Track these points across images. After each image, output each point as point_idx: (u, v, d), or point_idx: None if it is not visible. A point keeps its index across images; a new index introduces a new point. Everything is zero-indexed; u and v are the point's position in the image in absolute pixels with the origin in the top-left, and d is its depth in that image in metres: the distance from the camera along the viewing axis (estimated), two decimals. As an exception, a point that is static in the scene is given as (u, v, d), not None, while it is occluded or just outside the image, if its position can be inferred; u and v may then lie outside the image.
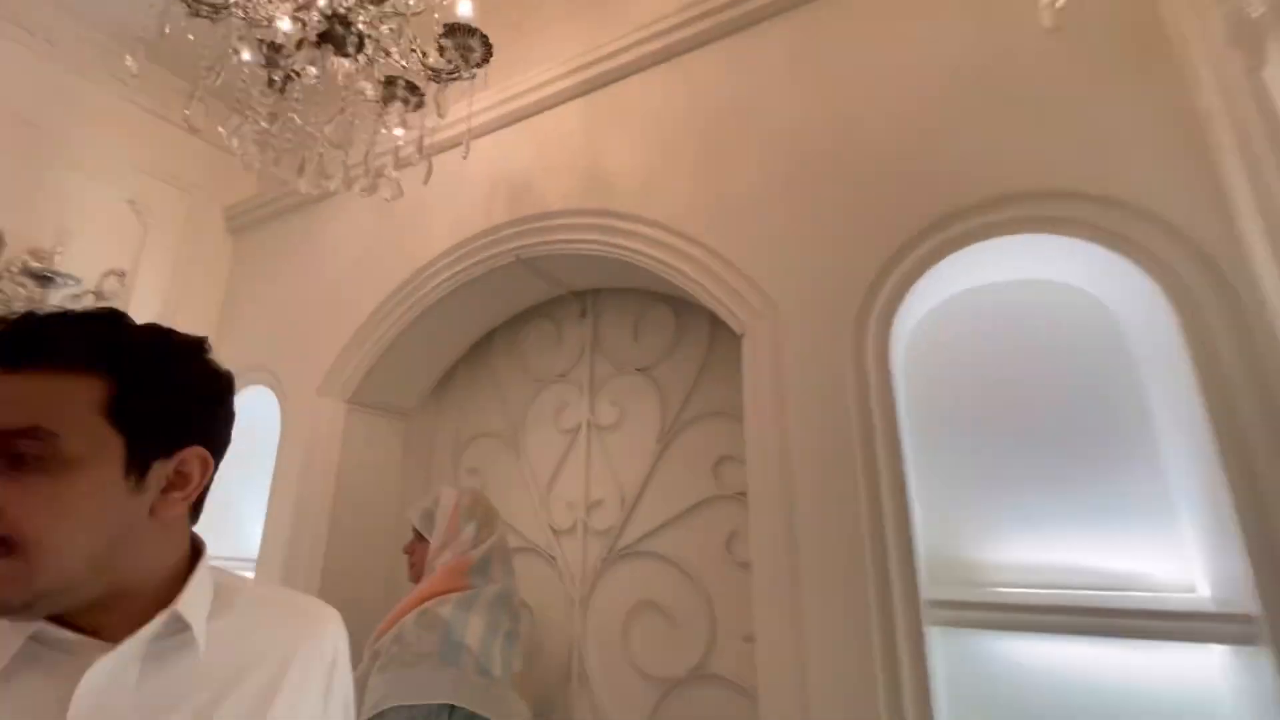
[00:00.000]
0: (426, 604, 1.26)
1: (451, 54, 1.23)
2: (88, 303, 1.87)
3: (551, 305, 2.20)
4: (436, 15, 1.22)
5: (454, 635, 1.19)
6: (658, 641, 1.71)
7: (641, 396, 1.97)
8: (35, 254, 1.76)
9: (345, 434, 1.97)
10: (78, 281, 1.84)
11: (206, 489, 0.61)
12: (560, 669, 1.85)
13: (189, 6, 1.10)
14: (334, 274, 2.18)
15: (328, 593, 1.81)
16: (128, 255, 2.06)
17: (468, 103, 1.43)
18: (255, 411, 2.13)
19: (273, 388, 2.08)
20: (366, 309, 1.98)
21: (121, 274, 1.96)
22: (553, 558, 1.97)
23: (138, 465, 0.55)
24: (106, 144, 2.05)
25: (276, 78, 1.22)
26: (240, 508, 2.09)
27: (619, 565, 1.87)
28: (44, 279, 1.75)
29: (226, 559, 2.01)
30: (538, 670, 1.79)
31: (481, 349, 2.31)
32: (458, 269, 1.89)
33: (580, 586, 1.89)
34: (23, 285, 1.71)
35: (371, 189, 1.34)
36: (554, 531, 2.00)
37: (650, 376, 1.97)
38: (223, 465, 0.62)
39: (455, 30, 1.23)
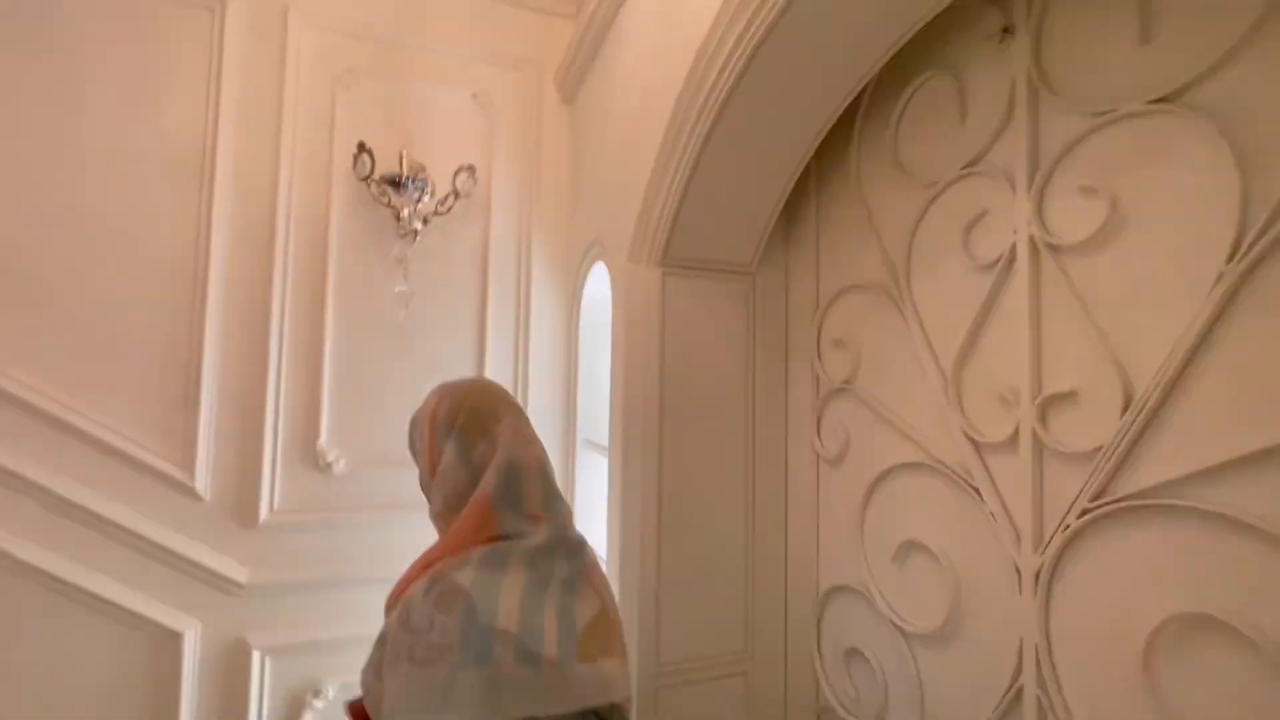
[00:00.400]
0: (437, 565, 0.82)
1: None
2: (453, 206, 1.92)
3: (933, 43, 1.20)
4: None
5: (480, 618, 0.75)
6: (1223, 683, 0.77)
7: (1159, 163, 0.88)
8: (400, 161, 1.84)
9: (664, 304, 1.53)
10: (432, 185, 1.89)
11: None
12: (991, 687, 1.06)
13: None
14: (623, 112, 1.71)
15: (665, 483, 1.48)
16: (477, 150, 2.06)
17: None
18: (596, 294, 1.91)
19: (605, 261, 1.81)
20: (656, 139, 1.44)
21: (472, 169, 1.96)
22: (974, 490, 1.12)
23: None
24: (447, 44, 2.04)
25: None
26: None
27: (1122, 524, 0.91)
28: (400, 185, 1.83)
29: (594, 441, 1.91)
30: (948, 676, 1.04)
31: (832, 157, 1.49)
32: (741, 27, 1.12)
33: (1033, 549, 1.02)
34: (384, 194, 1.83)
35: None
36: (973, 443, 1.13)
37: (1187, 110, 0.85)
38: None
39: None
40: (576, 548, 0.88)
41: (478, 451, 0.88)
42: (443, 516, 0.90)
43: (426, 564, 0.84)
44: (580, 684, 0.77)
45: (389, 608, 0.86)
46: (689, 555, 1.49)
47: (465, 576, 0.79)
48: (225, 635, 1.66)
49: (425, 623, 0.76)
